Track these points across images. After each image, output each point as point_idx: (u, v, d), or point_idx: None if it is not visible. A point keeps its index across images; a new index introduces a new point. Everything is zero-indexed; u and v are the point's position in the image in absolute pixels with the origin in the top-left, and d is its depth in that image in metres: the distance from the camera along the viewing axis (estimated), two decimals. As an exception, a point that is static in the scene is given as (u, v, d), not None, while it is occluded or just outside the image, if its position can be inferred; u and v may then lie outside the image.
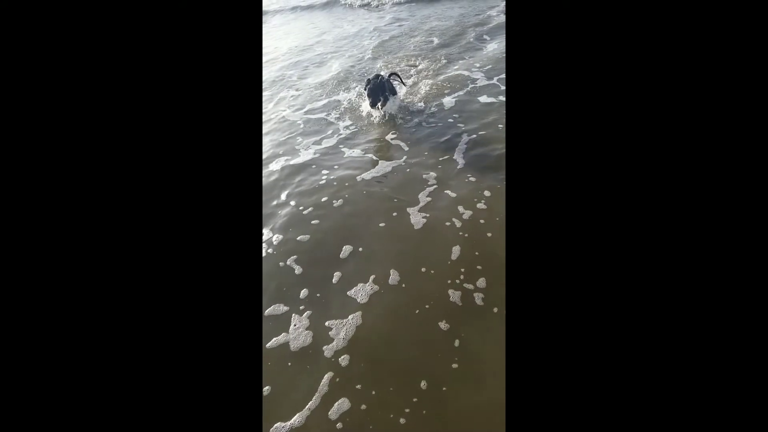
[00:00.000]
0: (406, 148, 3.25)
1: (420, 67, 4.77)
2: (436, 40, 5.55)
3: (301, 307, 2.01)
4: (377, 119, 3.66)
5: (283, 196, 2.88)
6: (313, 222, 2.59)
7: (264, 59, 6.02)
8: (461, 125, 3.42)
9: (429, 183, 2.77)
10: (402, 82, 4.13)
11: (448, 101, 3.85)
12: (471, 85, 4.08)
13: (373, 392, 1.59)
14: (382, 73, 3.92)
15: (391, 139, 3.38)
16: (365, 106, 3.69)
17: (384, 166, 3.03)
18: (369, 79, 3.66)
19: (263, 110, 4.38)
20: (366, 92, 3.57)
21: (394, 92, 3.80)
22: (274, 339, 1.87)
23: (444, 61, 4.81)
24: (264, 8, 9.32)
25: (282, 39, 7.10)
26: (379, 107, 3.59)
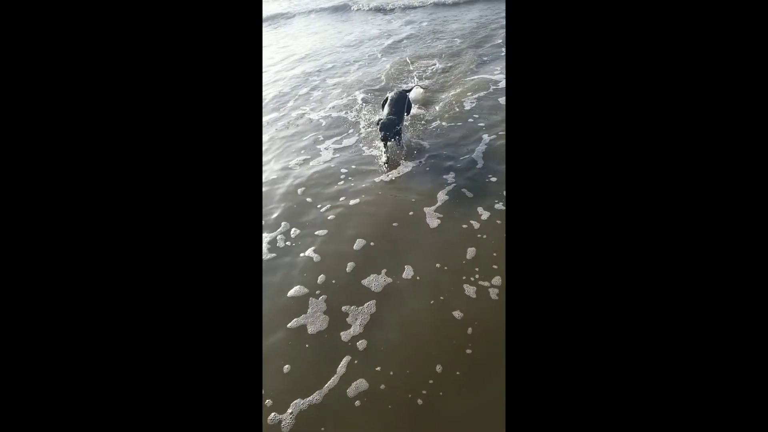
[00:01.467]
0: (427, 146, 3.38)
1: (440, 67, 4.92)
2: (458, 41, 5.70)
3: (317, 291, 2.16)
4: (386, 157, 3.29)
5: (300, 193, 3.03)
6: (329, 218, 2.72)
7: (287, 60, 6.28)
8: (481, 125, 3.53)
9: (448, 182, 2.88)
10: (414, 88, 4.17)
11: (469, 102, 3.98)
12: (492, 87, 4.20)
13: (391, 373, 1.70)
14: (398, 90, 3.70)
15: (411, 139, 3.52)
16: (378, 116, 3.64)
17: (403, 166, 3.16)
18: (385, 103, 3.46)
19: (285, 110, 4.58)
20: (378, 127, 3.30)
21: (409, 108, 3.67)
22: (295, 320, 2.01)
23: (465, 62, 4.95)
24: (284, 11, 9.67)
25: (303, 40, 7.36)
26: (389, 146, 3.28)
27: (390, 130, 3.22)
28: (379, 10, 8.34)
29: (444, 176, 2.96)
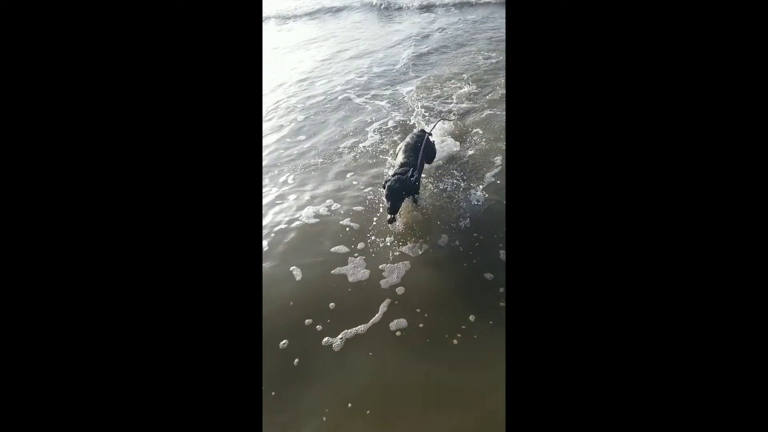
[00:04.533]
0: (481, 132, 3.56)
1: (494, 58, 5.16)
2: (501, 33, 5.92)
3: (355, 255, 2.42)
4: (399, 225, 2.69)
5: (344, 173, 3.28)
6: (368, 198, 2.93)
7: (340, 53, 6.62)
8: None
9: (496, 164, 3.07)
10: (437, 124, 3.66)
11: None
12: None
13: (426, 315, 1.94)
14: (416, 132, 3.02)
15: (465, 123, 3.72)
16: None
17: (453, 148, 3.33)
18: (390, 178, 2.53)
19: (332, 94, 4.92)
20: (384, 193, 2.48)
21: (432, 155, 3.08)
22: (337, 269, 2.31)
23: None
24: (331, 4, 10.06)
25: (349, 31, 7.78)
26: (398, 217, 2.60)
27: (398, 197, 2.45)
28: (423, 7, 8.50)
29: (493, 158, 3.14)
